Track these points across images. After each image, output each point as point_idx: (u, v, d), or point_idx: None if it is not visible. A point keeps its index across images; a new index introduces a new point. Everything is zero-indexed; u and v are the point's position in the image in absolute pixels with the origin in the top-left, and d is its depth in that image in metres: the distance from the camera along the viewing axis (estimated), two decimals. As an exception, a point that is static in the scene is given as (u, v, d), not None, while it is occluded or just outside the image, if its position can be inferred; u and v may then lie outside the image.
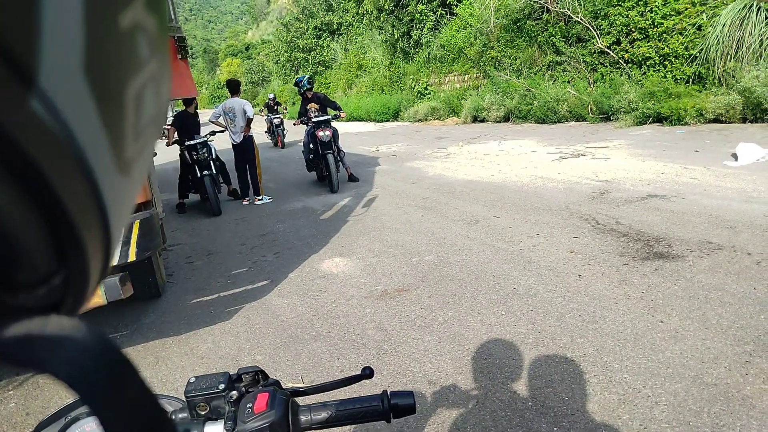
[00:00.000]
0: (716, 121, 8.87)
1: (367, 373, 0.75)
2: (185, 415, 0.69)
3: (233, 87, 7.36)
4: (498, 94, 13.74)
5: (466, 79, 16.56)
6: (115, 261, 2.77)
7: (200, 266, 4.84)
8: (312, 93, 7.91)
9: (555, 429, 2.12)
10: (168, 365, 3.06)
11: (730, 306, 2.88)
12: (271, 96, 15.50)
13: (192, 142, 6.89)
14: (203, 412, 0.68)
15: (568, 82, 12.43)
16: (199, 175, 6.89)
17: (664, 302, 3.04)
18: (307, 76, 7.97)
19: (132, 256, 2.88)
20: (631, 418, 2.12)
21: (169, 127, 7.23)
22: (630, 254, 3.81)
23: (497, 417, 2.24)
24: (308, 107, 7.78)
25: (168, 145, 7.16)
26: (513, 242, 4.37)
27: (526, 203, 5.50)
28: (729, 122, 8.72)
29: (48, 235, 0.18)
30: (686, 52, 10.16)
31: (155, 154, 5.89)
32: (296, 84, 7.92)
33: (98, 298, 2.69)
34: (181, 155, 7.21)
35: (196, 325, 3.57)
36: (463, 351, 2.81)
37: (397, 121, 18.40)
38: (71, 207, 0.18)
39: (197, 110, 7.31)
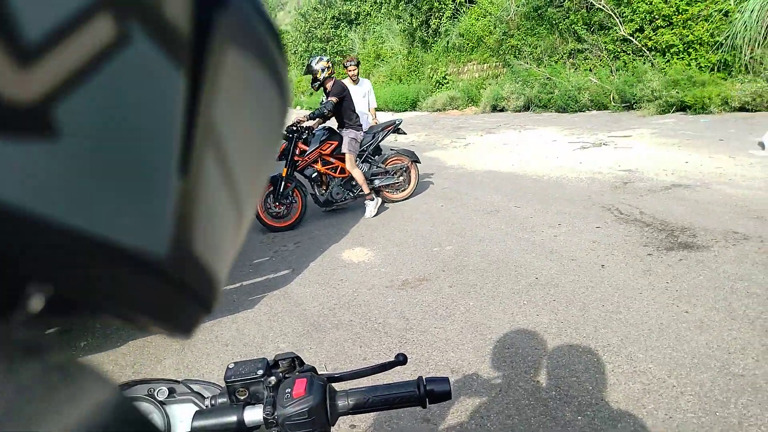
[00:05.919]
0: (742, 109, 8.67)
1: (401, 359, 0.76)
2: (225, 399, 0.72)
3: None
4: (518, 83, 13.59)
5: (485, 68, 16.40)
6: None
7: (223, 255, 4.89)
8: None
9: (579, 418, 2.12)
10: (194, 352, 3.12)
11: (757, 297, 2.84)
12: None
13: None
14: (242, 397, 0.70)
15: (590, 70, 12.24)
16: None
17: (689, 292, 3.00)
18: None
19: None
20: (656, 408, 2.11)
21: None
22: (654, 244, 3.77)
23: (521, 406, 2.25)
24: None
25: None
26: (534, 232, 4.35)
27: (547, 193, 5.46)
28: (756, 110, 8.52)
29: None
30: (711, 39, 9.93)
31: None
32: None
33: None
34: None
35: (220, 313, 3.62)
36: (485, 340, 2.82)
37: (415, 110, 18.29)
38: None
39: None
